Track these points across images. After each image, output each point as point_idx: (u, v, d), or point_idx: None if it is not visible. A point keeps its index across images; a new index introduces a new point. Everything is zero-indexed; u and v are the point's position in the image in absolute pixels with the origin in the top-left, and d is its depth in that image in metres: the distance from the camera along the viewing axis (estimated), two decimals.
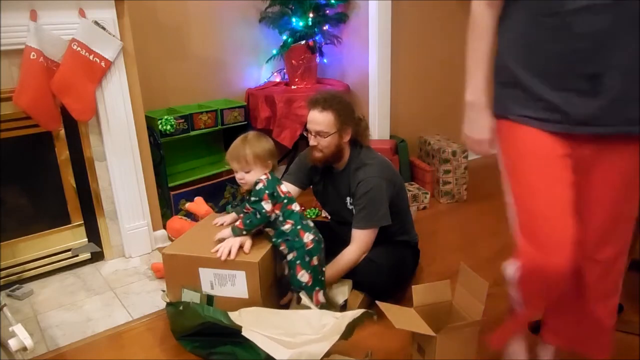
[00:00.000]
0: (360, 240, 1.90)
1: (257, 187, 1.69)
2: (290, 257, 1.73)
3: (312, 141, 1.93)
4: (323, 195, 2.14)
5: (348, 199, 2.00)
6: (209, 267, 1.67)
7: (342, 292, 1.89)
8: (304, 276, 1.73)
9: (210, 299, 1.70)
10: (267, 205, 1.67)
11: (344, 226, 2.00)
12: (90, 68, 2.08)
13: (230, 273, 1.65)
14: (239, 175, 1.73)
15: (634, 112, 1.10)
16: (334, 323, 1.50)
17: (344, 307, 1.87)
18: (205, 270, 1.68)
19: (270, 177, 1.71)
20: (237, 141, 1.73)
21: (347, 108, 1.93)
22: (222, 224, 1.89)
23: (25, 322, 1.89)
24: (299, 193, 2.11)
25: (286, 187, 1.87)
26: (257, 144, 1.71)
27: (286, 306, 1.83)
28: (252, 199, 1.69)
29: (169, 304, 1.75)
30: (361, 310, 1.54)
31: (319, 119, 1.89)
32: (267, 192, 1.67)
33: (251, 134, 1.76)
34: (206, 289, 1.70)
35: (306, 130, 1.97)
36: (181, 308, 1.66)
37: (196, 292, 1.71)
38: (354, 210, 1.95)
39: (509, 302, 1.44)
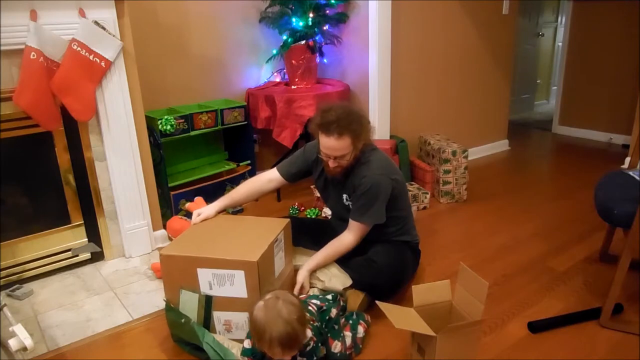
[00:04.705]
0: (355, 229, 1.93)
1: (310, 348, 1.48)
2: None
3: (332, 163, 1.88)
4: (324, 190, 2.14)
5: (345, 196, 2.01)
6: (207, 267, 1.67)
7: (340, 280, 1.90)
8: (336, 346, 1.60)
9: (208, 300, 1.70)
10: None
11: (343, 223, 2.00)
12: (90, 68, 2.08)
13: (229, 273, 1.65)
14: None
15: None
16: None
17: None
18: (204, 270, 1.67)
19: (312, 330, 1.49)
20: (282, 326, 1.34)
21: (359, 121, 1.85)
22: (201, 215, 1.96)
23: (25, 322, 1.89)
24: (283, 184, 2.14)
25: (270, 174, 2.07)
26: (293, 311, 1.38)
27: None
28: None
29: (170, 309, 1.73)
30: None
31: (339, 146, 1.80)
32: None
33: (276, 305, 1.38)
34: (204, 289, 1.70)
35: (319, 152, 1.91)
36: (182, 321, 1.65)
37: (194, 293, 1.70)
38: (350, 207, 1.96)
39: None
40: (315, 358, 1.48)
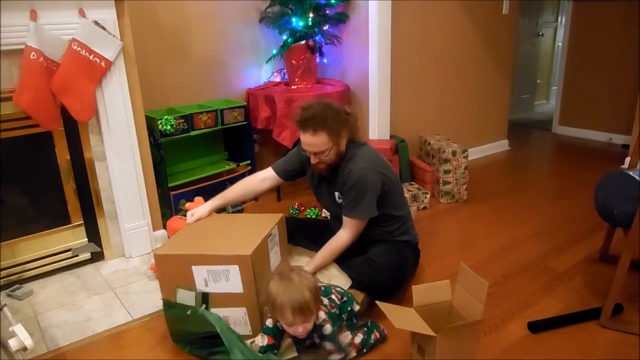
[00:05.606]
0: (349, 225, 1.93)
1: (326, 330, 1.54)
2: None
3: (314, 159, 1.91)
4: (317, 189, 2.15)
5: (337, 193, 2.01)
6: (201, 264, 1.66)
7: (339, 281, 1.90)
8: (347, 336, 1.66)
9: (205, 297, 1.70)
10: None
11: (340, 222, 2.00)
12: (90, 68, 2.08)
13: (223, 268, 1.64)
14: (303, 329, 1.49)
15: None
16: None
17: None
18: (199, 267, 1.67)
19: (327, 314, 1.56)
20: (298, 294, 1.43)
21: (336, 117, 1.86)
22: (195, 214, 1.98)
23: (25, 322, 1.89)
24: (278, 182, 2.16)
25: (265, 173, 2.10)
26: (304, 282, 1.47)
27: None
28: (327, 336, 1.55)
29: (170, 307, 1.73)
30: None
31: (314, 142, 1.84)
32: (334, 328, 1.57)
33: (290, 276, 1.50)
34: (200, 286, 1.69)
35: (303, 149, 1.94)
36: (189, 312, 1.63)
37: (191, 291, 1.70)
38: (342, 204, 1.96)
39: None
40: (333, 340, 1.54)
